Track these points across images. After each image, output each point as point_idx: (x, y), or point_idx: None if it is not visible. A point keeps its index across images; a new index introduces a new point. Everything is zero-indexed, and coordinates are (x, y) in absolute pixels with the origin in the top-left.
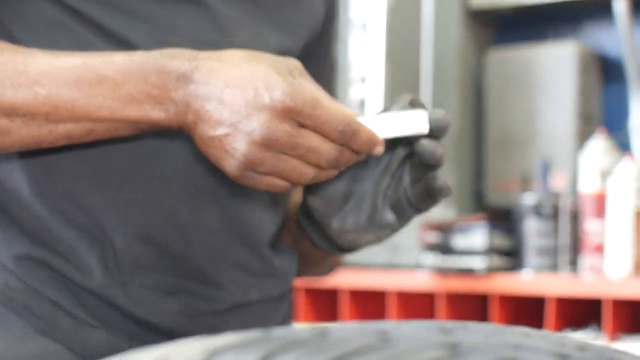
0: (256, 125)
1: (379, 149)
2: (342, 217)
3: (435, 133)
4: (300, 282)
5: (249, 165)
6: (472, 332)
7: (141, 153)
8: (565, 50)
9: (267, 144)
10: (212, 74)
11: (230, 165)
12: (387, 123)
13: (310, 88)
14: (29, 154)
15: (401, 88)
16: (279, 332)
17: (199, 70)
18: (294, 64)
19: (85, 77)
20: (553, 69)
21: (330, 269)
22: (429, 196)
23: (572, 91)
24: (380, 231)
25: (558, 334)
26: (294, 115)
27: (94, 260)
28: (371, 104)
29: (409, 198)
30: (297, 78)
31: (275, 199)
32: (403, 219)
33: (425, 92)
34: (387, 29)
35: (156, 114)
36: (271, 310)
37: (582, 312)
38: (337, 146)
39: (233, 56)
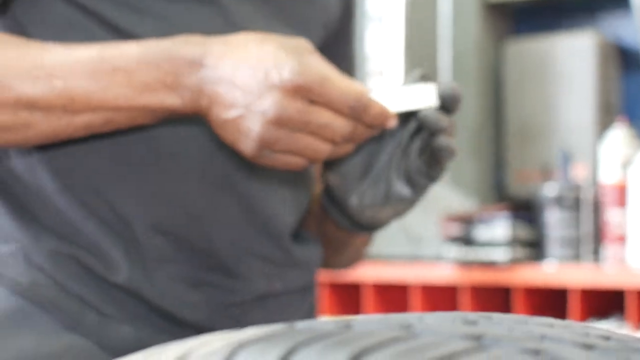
0: (268, 104)
1: (392, 122)
2: (361, 193)
3: (445, 106)
4: (324, 276)
5: (265, 144)
6: (496, 323)
7: (160, 147)
8: (584, 40)
9: (281, 122)
10: (223, 57)
11: (247, 146)
12: (396, 97)
13: (319, 66)
14: (51, 149)
15: None
16: (302, 325)
17: (210, 55)
18: (303, 43)
19: (100, 68)
20: (571, 59)
21: (354, 258)
22: (435, 159)
23: (591, 81)
24: (398, 205)
25: (582, 324)
26: (305, 93)
27: (119, 254)
28: None
29: (419, 167)
30: (306, 57)
31: (295, 190)
32: (417, 190)
33: None
34: (405, 21)
35: (171, 100)
36: (296, 302)
37: (605, 303)
38: (350, 121)
39: (242, 39)
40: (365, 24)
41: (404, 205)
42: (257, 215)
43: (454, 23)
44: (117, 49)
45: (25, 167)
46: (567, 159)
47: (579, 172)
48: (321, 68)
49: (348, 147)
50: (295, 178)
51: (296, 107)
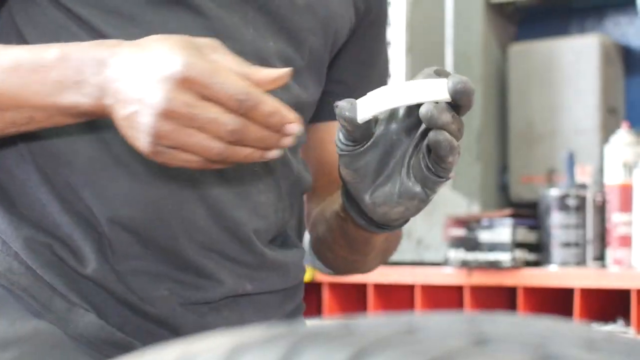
0: (158, 97)
1: (293, 127)
2: (374, 191)
3: (456, 100)
4: (326, 276)
5: (156, 138)
6: (499, 322)
7: (132, 149)
8: (588, 42)
9: (169, 115)
10: (126, 57)
11: (141, 142)
12: (406, 90)
13: (218, 61)
14: (36, 144)
15: None
16: (303, 325)
17: (116, 56)
18: (208, 41)
19: (24, 65)
20: (576, 61)
21: (378, 261)
22: (437, 156)
23: (595, 84)
24: (409, 202)
25: (586, 325)
26: (192, 86)
27: (88, 247)
28: None
29: (427, 164)
30: (205, 52)
31: (272, 197)
32: (428, 187)
33: None
34: (408, 24)
35: (79, 99)
36: (272, 304)
37: (609, 306)
38: (239, 118)
39: (148, 40)
40: None
41: (415, 203)
42: (224, 219)
43: (458, 25)
44: (42, 48)
45: (14, 160)
46: (572, 161)
47: (583, 176)
48: (217, 63)
49: (247, 151)
50: (272, 185)
51: (184, 100)
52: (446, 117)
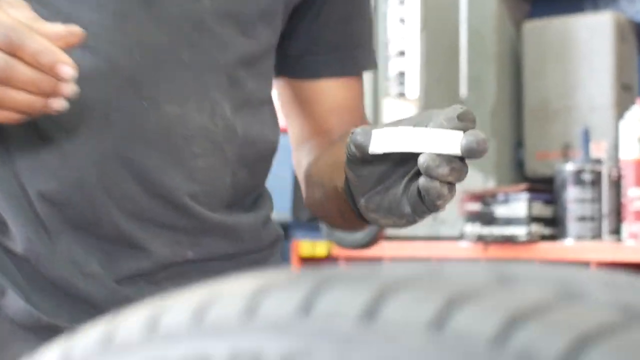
0: None
1: (67, 70)
2: (370, 197)
3: (467, 157)
4: (343, 251)
5: None
6: (520, 266)
7: (59, 122)
8: (602, 19)
9: None
10: None
11: None
12: (420, 137)
13: (10, 12)
14: None
15: (439, 61)
16: (327, 269)
17: None
18: (13, 1)
19: None
20: (590, 38)
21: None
22: (426, 197)
23: (609, 60)
24: (397, 219)
25: (606, 271)
26: None
27: (20, 225)
28: (411, 77)
29: (421, 194)
30: (8, 7)
31: (213, 160)
32: (417, 213)
33: (463, 64)
34: (422, 2)
35: None
36: (222, 269)
37: None
38: (6, 55)
39: None
40: (387, 6)
41: (403, 221)
42: (154, 186)
43: (472, 4)
44: None
45: None
46: (587, 137)
47: (598, 152)
48: None
49: (23, 97)
50: (211, 149)
51: None
52: (442, 170)
